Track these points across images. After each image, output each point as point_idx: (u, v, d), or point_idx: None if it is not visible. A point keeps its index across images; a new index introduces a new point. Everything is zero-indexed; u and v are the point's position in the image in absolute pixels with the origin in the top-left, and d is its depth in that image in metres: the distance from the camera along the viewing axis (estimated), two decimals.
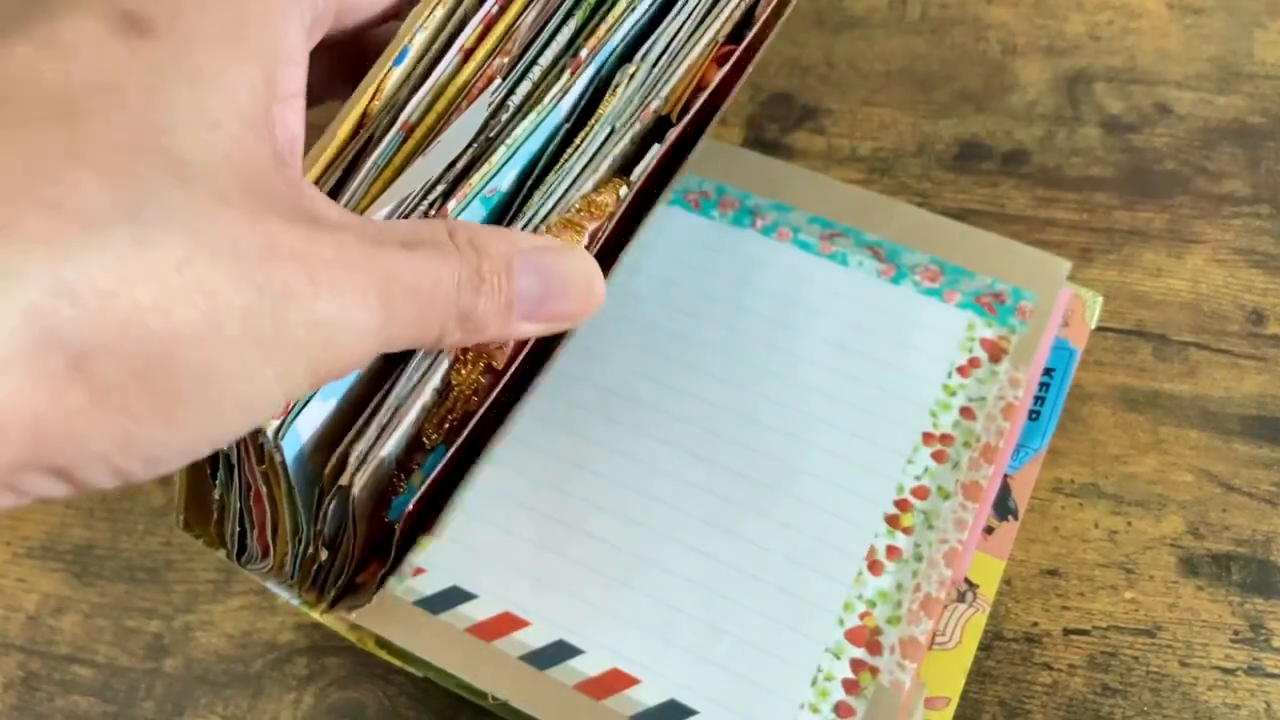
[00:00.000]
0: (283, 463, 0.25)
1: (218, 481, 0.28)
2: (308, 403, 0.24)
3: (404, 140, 0.25)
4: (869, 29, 0.52)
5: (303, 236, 0.18)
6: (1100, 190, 0.47)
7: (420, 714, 0.38)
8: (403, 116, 0.25)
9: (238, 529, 0.30)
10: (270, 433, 0.23)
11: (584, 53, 0.27)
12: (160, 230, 0.16)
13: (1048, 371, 0.39)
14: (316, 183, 0.24)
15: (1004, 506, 0.37)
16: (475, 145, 0.26)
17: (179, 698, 0.39)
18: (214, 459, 0.28)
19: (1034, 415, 0.38)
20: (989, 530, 0.37)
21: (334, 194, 0.24)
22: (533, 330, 0.22)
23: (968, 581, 0.36)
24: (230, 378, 0.17)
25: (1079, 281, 0.42)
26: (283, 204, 0.18)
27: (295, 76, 0.21)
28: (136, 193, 0.16)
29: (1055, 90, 0.50)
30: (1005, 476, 0.38)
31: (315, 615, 0.34)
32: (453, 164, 0.25)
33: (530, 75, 0.27)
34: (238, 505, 0.29)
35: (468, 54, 0.26)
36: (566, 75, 0.27)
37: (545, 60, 0.27)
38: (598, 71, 0.28)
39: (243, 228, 0.17)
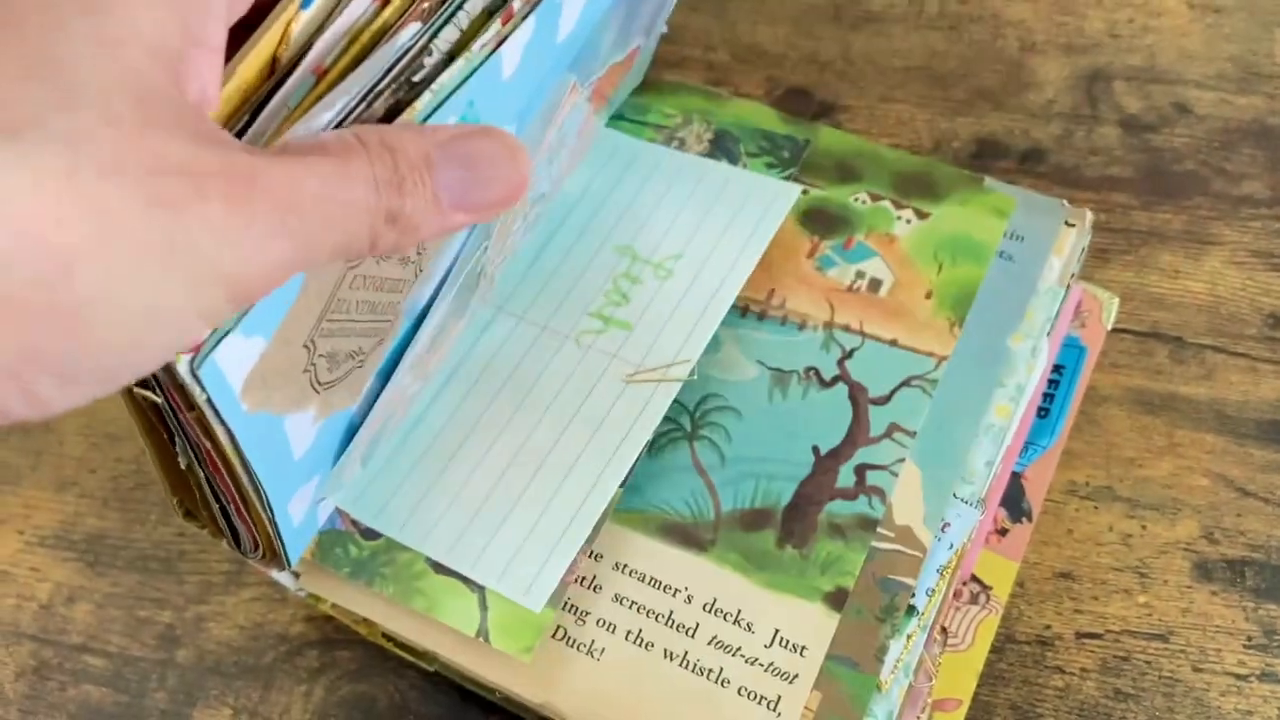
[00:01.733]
0: (209, 401, 0.23)
1: (179, 449, 0.27)
2: (226, 334, 0.22)
3: (316, 83, 0.24)
4: (887, 25, 0.52)
5: (193, 152, 0.18)
6: (1118, 190, 0.47)
7: (430, 708, 0.38)
8: (311, 57, 0.24)
9: (216, 505, 0.29)
10: (184, 367, 0.22)
11: (517, 4, 0.27)
12: (47, 147, 0.16)
13: (1057, 368, 0.39)
14: (225, 125, 0.23)
15: (1018, 508, 0.37)
16: (397, 86, 0.25)
17: (190, 688, 0.39)
18: (169, 425, 0.26)
19: (1043, 412, 0.38)
20: (1003, 532, 0.37)
21: (239, 135, 0.23)
22: (468, 219, 0.21)
23: (980, 583, 0.36)
24: (133, 291, 0.17)
25: (1095, 282, 0.42)
26: (178, 126, 0.18)
27: (213, 30, 0.20)
28: (26, 112, 0.17)
29: (1073, 88, 0.50)
30: (1017, 475, 0.37)
31: (325, 609, 0.34)
32: (367, 97, 0.24)
33: (456, 21, 0.26)
34: (202, 474, 0.27)
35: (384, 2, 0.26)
36: (497, 24, 0.26)
37: (473, 7, 0.26)
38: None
39: (130, 143, 0.17)
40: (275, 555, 0.31)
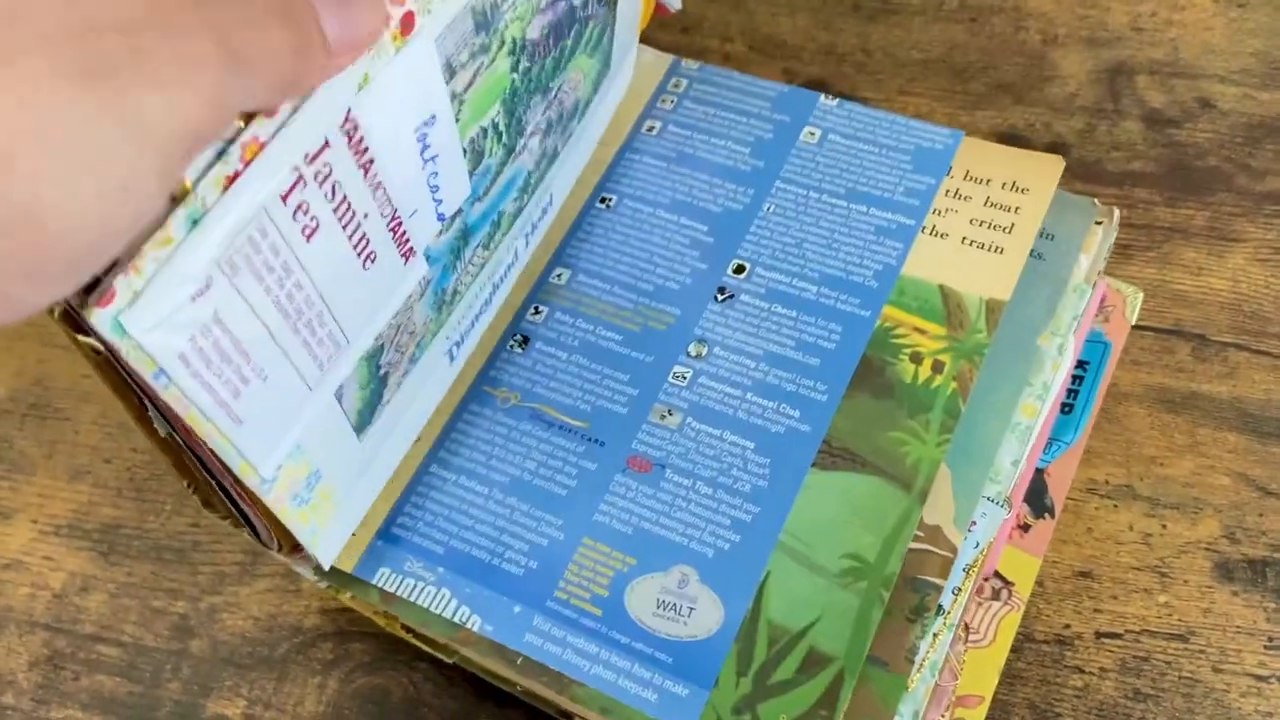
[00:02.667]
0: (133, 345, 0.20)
1: (152, 415, 0.25)
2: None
3: None
4: (906, 16, 0.51)
5: (124, 4, 0.17)
6: (1140, 186, 0.46)
7: (444, 701, 0.38)
8: None
9: (213, 480, 0.28)
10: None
11: None
12: None
13: (1081, 364, 0.38)
14: None
15: (1040, 504, 0.37)
16: None
17: (205, 679, 0.39)
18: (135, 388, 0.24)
19: (1066, 408, 0.38)
20: (1025, 528, 0.36)
21: None
22: (353, 59, 0.22)
23: (1003, 579, 0.36)
24: (81, 172, 0.16)
25: (1117, 279, 0.42)
26: None
27: None
28: None
29: (1096, 82, 0.49)
30: (1040, 471, 0.37)
31: (344, 599, 0.34)
32: None
33: None
34: (180, 441, 0.26)
35: None
36: None
37: None
38: None
39: (53, 11, 0.16)
40: (297, 546, 0.30)
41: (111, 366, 0.22)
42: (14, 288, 0.17)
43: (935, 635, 0.30)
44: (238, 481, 0.26)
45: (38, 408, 0.44)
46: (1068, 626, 0.38)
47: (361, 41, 0.22)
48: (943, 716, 0.32)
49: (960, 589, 0.31)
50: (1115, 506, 0.40)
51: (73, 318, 0.20)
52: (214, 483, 0.27)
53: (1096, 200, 0.36)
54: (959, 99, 0.49)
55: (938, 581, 0.30)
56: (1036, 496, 0.37)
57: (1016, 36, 0.51)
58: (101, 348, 0.21)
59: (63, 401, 0.44)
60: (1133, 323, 0.40)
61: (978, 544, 0.32)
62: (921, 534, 0.31)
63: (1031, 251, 0.35)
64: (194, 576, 0.40)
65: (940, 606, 0.30)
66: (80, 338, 0.21)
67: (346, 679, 0.38)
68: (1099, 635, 0.38)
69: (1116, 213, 0.36)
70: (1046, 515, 0.37)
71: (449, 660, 0.35)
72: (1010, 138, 0.48)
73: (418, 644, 0.35)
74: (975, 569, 0.31)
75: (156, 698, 0.38)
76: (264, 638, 0.39)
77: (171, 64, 0.17)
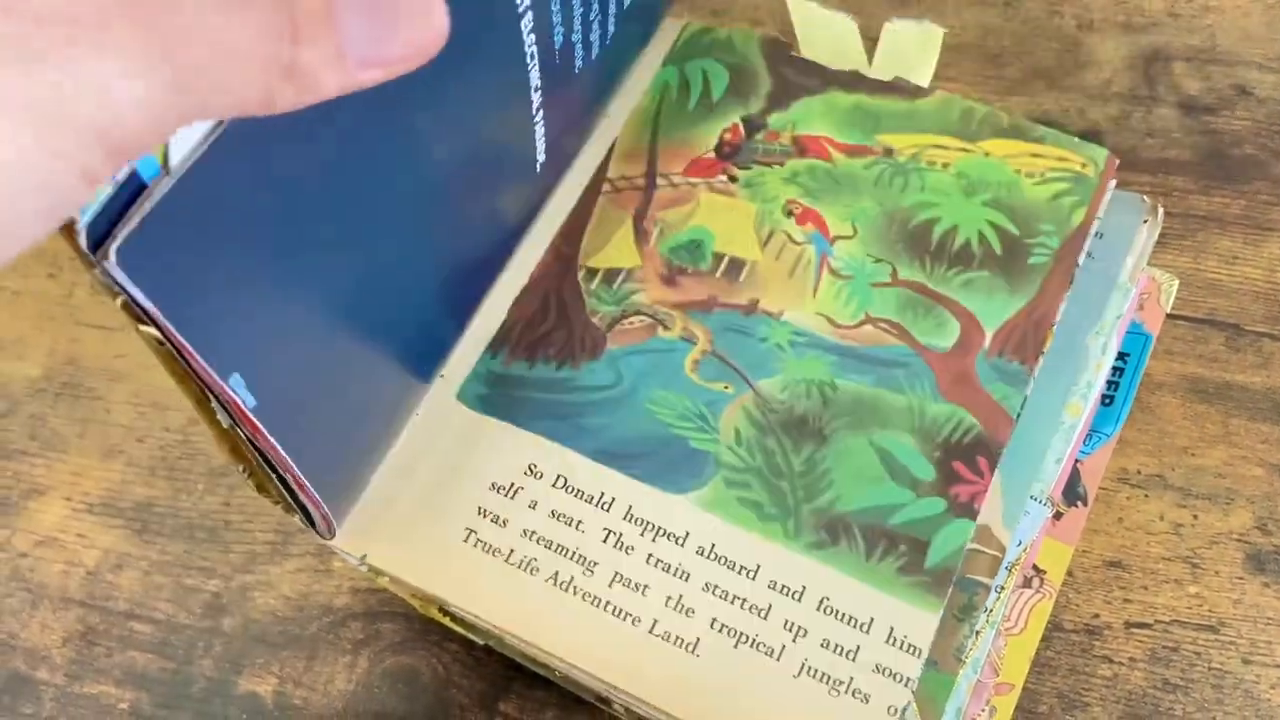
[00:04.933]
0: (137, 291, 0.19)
1: (215, 405, 0.24)
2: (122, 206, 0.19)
3: None
4: (939, 0, 0.51)
5: None
6: (1175, 174, 0.46)
7: (474, 682, 0.38)
8: None
9: (273, 475, 0.27)
10: (82, 234, 0.19)
11: None
12: None
13: (1121, 356, 0.38)
14: None
15: (1073, 492, 0.37)
16: None
17: (236, 657, 0.39)
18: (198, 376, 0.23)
19: (1107, 400, 0.37)
20: (1057, 515, 0.36)
21: None
22: (378, 76, 0.19)
23: (1035, 567, 0.36)
24: None
25: (1152, 265, 0.41)
26: None
27: None
28: None
29: (1131, 68, 0.49)
30: (1076, 462, 0.37)
31: (383, 582, 0.34)
32: None
33: None
34: (243, 435, 0.25)
35: None
36: None
37: None
38: None
39: None
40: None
41: (175, 357, 0.22)
42: None
43: (978, 632, 0.30)
44: (299, 477, 0.27)
45: (70, 387, 0.44)
46: (1097, 616, 0.38)
47: (395, 60, 0.19)
48: (982, 712, 0.32)
49: (1003, 586, 0.31)
50: (1146, 496, 0.39)
51: (135, 308, 0.20)
52: (271, 471, 0.28)
53: (1145, 198, 0.36)
54: (992, 84, 0.49)
55: (985, 580, 0.30)
56: (1069, 485, 0.37)
57: (1051, 21, 0.50)
58: (164, 338, 0.21)
59: (95, 381, 0.44)
60: (1168, 310, 0.39)
61: (1020, 542, 0.32)
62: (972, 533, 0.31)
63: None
64: (226, 555, 0.41)
65: (987, 606, 0.30)
66: (142, 328, 0.21)
67: (376, 658, 0.39)
68: (1128, 625, 0.38)
69: (1161, 210, 0.36)
70: (1079, 503, 0.37)
71: (480, 641, 0.36)
72: (1044, 123, 0.47)
73: (451, 626, 0.35)
74: (1017, 566, 0.31)
75: (189, 674, 0.39)
76: (295, 616, 0.40)
77: (105, 58, 0.16)
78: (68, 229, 0.19)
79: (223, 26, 0.17)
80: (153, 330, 0.21)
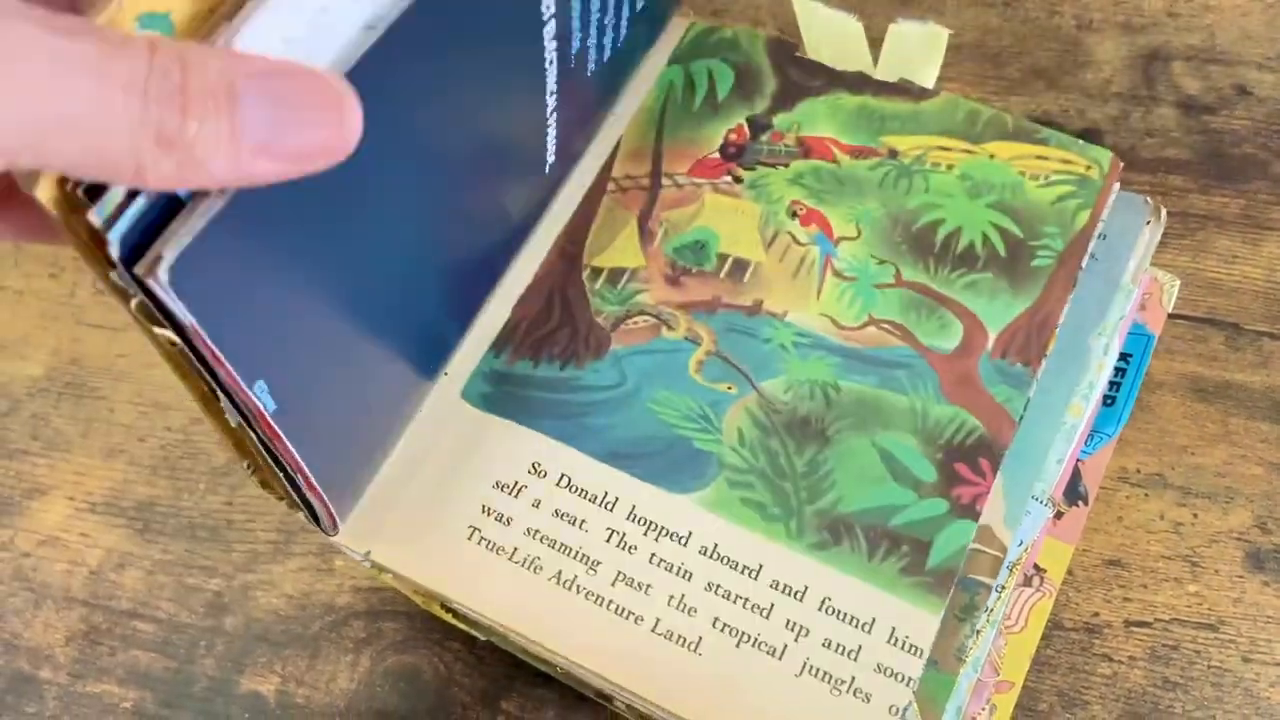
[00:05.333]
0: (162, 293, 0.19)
1: (224, 405, 0.24)
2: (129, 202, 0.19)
3: None
4: (939, 0, 0.51)
5: None
6: (1175, 173, 0.46)
7: (475, 680, 0.38)
8: None
9: (280, 472, 0.27)
10: (114, 245, 0.18)
11: None
12: None
13: (1124, 356, 0.38)
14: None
15: (1074, 491, 0.37)
16: None
17: (239, 656, 0.39)
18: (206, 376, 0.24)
19: (1109, 400, 0.38)
20: (1058, 515, 0.36)
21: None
22: (273, 170, 0.18)
23: (1035, 566, 0.36)
24: None
25: (1152, 265, 0.41)
26: None
27: None
28: None
29: (1131, 68, 0.49)
30: (1077, 462, 0.37)
31: (386, 579, 0.34)
32: None
33: None
34: (255, 436, 0.25)
35: None
36: None
37: None
38: None
39: None
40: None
41: (186, 358, 0.22)
42: None
43: (979, 632, 0.30)
44: (308, 476, 0.27)
45: (73, 386, 0.44)
46: (1097, 615, 0.38)
47: (295, 155, 0.18)
48: (982, 710, 0.32)
49: (1004, 585, 0.31)
50: (1146, 495, 0.40)
51: (150, 310, 0.20)
52: (278, 469, 0.28)
53: (1149, 199, 0.36)
54: (992, 84, 0.49)
55: (987, 581, 0.30)
56: (1070, 484, 0.37)
57: (1050, 21, 0.50)
58: (178, 340, 0.21)
59: (98, 380, 0.44)
60: (1169, 310, 0.40)
61: (1021, 541, 0.32)
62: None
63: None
64: (228, 554, 0.41)
65: (988, 606, 0.30)
66: (157, 330, 0.21)
67: (378, 657, 0.39)
68: (1128, 624, 0.38)
69: (1164, 211, 0.36)
70: (1080, 503, 0.37)
71: (482, 638, 0.36)
72: (1043, 124, 0.47)
73: (454, 623, 0.35)
74: (1018, 565, 0.32)
75: (191, 673, 0.39)
76: (297, 615, 0.40)
77: None
78: (91, 239, 0.19)
79: (89, 76, 0.16)
80: (168, 333, 0.21)
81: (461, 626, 0.35)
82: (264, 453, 0.27)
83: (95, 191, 0.18)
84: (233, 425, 0.25)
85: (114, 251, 0.18)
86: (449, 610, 0.35)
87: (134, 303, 0.20)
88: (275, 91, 0.18)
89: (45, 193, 0.18)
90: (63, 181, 0.18)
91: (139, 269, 0.19)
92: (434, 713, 0.38)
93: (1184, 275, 0.43)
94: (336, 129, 0.18)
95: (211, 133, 0.17)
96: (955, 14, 0.50)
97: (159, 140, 0.17)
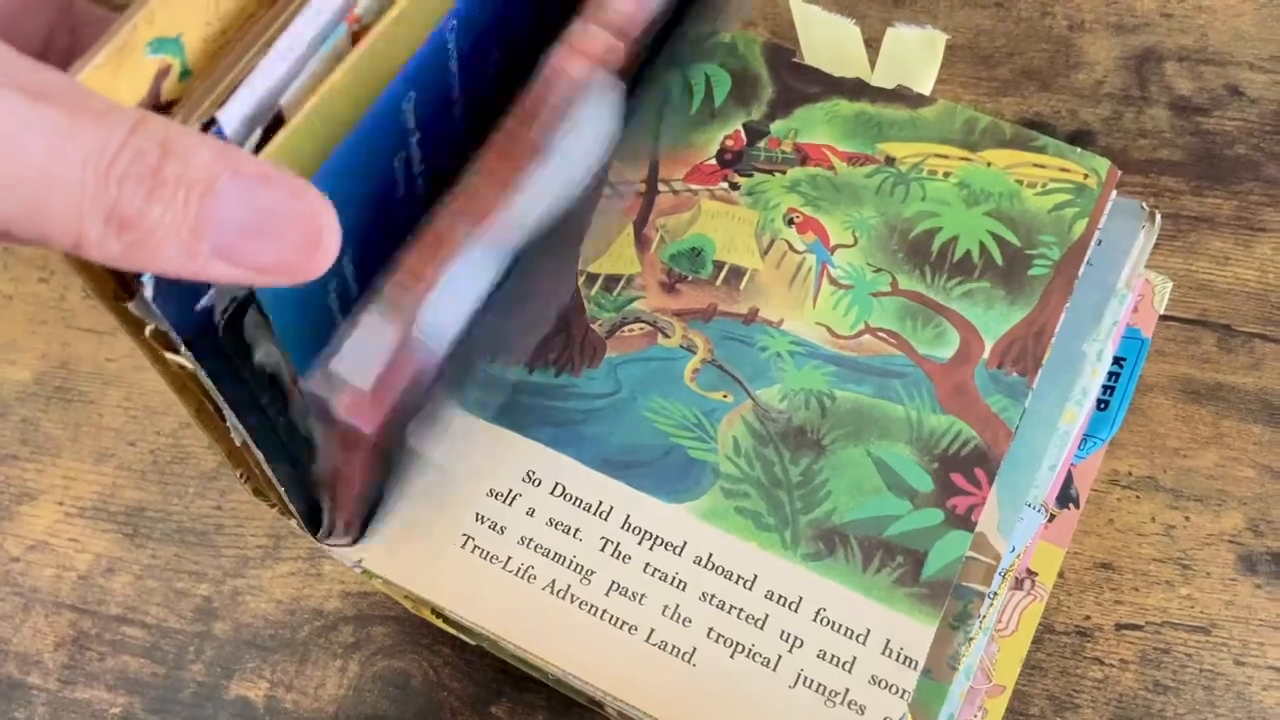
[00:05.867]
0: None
1: (229, 424, 0.25)
2: None
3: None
4: (931, 2, 0.51)
5: None
6: (1167, 174, 0.46)
7: (465, 685, 0.38)
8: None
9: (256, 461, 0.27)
10: (148, 286, 0.18)
11: None
12: None
13: (1117, 361, 0.38)
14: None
15: (1065, 495, 0.37)
16: None
17: (228, 661, 0.39)
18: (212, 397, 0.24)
19: (1102, 405, 0.38)
20: (1050, 518, 0.36)
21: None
22: (228, 275, 0.17)
23: (1026, 570, 0.36)
24: None
25: (1145, 267, 0.41)
26: None
27: None
28: None
29: (1123, 69, 0.49)
30: (1070, 466, 0.37)
31: (376, 583, 0.34)
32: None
33: None
34: (261, 455, 0.26)
35: None
36: None
37: None
38: None
39: None
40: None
41: (195, 380, 0.22)
42: None
43: (972, 640, 0.30)
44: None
45: (63, 391, 0.44)
46: (1088, 618, 0.38)
47: (257, 267, 0.17)
48: (975, 716, 0.32)
49: (996, 593, 0.31)
50: (1138, 498, 0.40)
51: (165, 336, 0.20)
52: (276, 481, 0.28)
53: (1144, 204, 0.36)
54: (984, 85, 0.49)
55: (981, 589, 0.30)
56: (1062, 488, 0.37)
57: (1043, 22, 0.50)
58: (190, 365, 0.21)
59: (87, 385, 0.44)
60: (1161, 312, 0.40)
61: (1014, 548, 0.32)
62: None
63: None
64: (217, 559, 0.41)
65: (981, 614, 0.30)
66: (170, 356, 0.21)
67: (367, 662, 0.39)
68: (1119, 627, 0.38)
69: (1159, 216, 0.36)
70: (1071, 505, 0.37)
71: (472, 642, 0.35)
72: (1035, 125, 0.47)
73: (445, 627, 0.35)
74: (1011, 572, 0.32)
75: (180, 679, 0.39)
76: (286, 620, 0.39)
77: None
78: (114, 286, 0.19)
79: (28, 145, 0.15)
80: (180, 359, 0.21)
81: (451, 631, 0.35)
82: (259, 464, 0.26)
83: None
84: (237, 444, 0.25)
85: (148, 293, 0.18)
86: (440, 615, 0.35)
87: (149, 329, 0.20)
88: (257, 200, 0.17)
89: None
90: None
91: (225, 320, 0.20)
92: (423, 718, 0.38)
93: (1176, 276, 0.43)
94: (307, 256, 0.18)
95: (173, 223, 0.16)
96: (947, 15, 0.50)
97: (111, 220, 0.16)
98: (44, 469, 0.43)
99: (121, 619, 0.40)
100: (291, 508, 0.29)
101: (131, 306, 0.19)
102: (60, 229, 0.16)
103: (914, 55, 0.36)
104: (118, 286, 0.19)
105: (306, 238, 0.17)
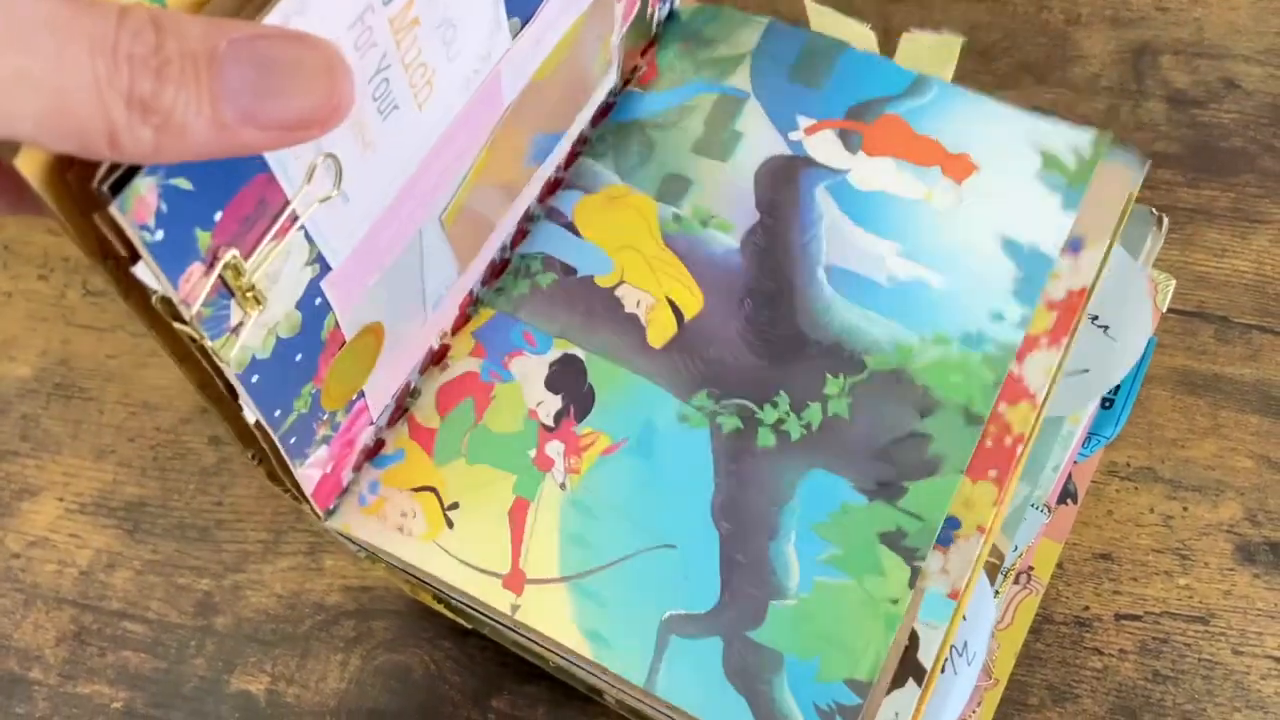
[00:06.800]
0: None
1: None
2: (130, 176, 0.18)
3: None
4: None
5: None
6: (1164, 167, 0.46)
7: (465, 679, 0.38)
8: None
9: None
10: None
11: None
12: None
13: None
14: None
15: (1063, 489, 0.37)
16: None
17: (229, 655, 0.39)
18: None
19: (1107, 403, 0.37)
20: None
21: None
22: (261, 141, 0.17)
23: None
24: None
25: None
26: None
27: None
28: None
29: (1119, 62, 0.49)
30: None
31: (378, 572, 0.34)
32: None
33: None
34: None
35: None
36: None
37: None
38: None
39: None
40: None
41: (205, 353, 0.22)
42: None
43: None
44: None
45: (63, 387, 0.44)
46: (1087, 608, 0.38)
47: (283, 124, 0.17)
48: (973, 712, 0.32)
49: (999, 590, 0.31)
50: (1136, 489, 0.40)
51: (171, 304, 0.20)
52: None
53: (1153, 209, 0.36)
54: (982, 79, 0.49)
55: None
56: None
57: (1039, 16, 0.50)
58: (198, 336, 0.21)
59: (87, 381, 0.44)
60: (1164, 309, 0.40)
61: (1016, 548, 0.32)
62: None
63: None
64: (218, 554, 0.41)
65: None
66: (177, 326, 0.21)
67: (369, 656, 0.39)
68: (1119, 617, 0.38)
69: (1166, 219, 0.36)
70: (1069, 500, 0.37)
71: (469, 627, 0.35)
72: None
73: (445, 613, 0.35)
74: (1013, 570, 0.32)
75: (181, 674, 0.39)
76: (287, 615, 0.40)
77: None
78: (113, 233, 0.18)
79: (33, 40, 0.15)
80: (188, 329, 0.21)
81: (450, 615, 0.35)
82: (275, 446, 0.27)
83: (116, 186, 0.18)
84: (250, 422, 0.25)
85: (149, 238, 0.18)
86: (440, 600, 0.35)
87: (155, 298, 0.20)
88: (260, 56, 0.17)
89: (28, 165, 0.17)
90: (80, 177, 0.18)
91: None
92: (424, 711, 0.38)
93: (1173, 269, 0.43)
94: (325, 96, 0.18)
95: (191, 98, 0.16)
96: (944, 9, 0.50)
97: (132, 103, 0.16)
98: (44, 465, 0.43)
99: (122, 614, 0.40)
100: (301, 494, 0.29)
101: (137, 270, 0.19)
102: (90, 122, 0.16)
103: (928, 59, 0.36)
104: (124, 252, 0.19)
105: (320, 80, 0.18)
